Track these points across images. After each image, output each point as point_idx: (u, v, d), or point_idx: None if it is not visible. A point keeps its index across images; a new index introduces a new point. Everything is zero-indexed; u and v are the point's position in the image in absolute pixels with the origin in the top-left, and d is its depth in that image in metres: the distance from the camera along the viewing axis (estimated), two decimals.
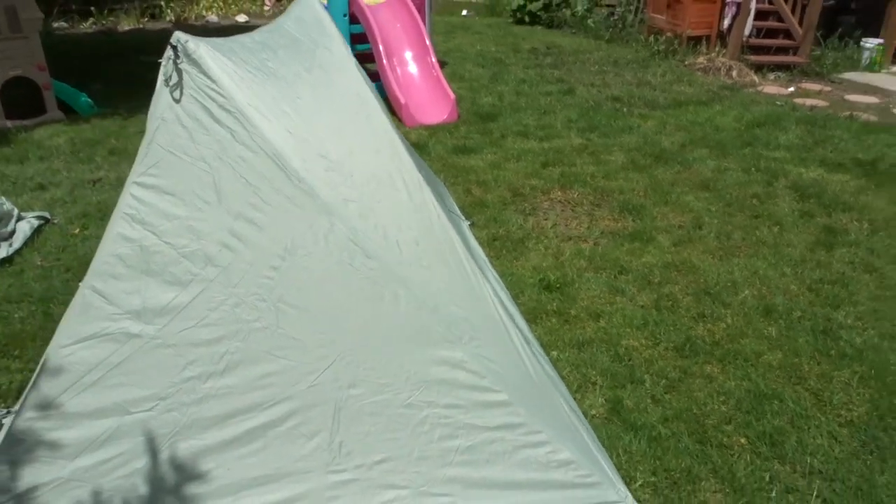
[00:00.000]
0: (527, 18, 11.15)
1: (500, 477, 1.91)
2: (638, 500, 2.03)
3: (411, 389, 1.86)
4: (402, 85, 6.00)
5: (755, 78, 7.60)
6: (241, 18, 11.42)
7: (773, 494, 2.15)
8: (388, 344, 1.85)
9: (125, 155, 4.96)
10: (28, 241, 3.62)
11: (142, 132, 1.81)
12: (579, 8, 10.68)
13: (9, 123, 5.47)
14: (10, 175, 4.56)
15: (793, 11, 8.07)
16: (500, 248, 3.69)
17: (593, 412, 2.47)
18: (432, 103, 5.99)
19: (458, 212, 3.77)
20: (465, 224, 3.69)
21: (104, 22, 10.47)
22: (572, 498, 1.93)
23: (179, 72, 1.72)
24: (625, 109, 6.33)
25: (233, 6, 11.90)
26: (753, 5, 7.87)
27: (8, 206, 3.73)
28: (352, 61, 2.35)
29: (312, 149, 1.85)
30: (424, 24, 6.44)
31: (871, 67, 8.02)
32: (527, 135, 5.58)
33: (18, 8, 5.33)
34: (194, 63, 1.71)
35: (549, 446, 1.91)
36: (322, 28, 2.48)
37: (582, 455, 1.97)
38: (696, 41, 8.47)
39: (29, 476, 1.82)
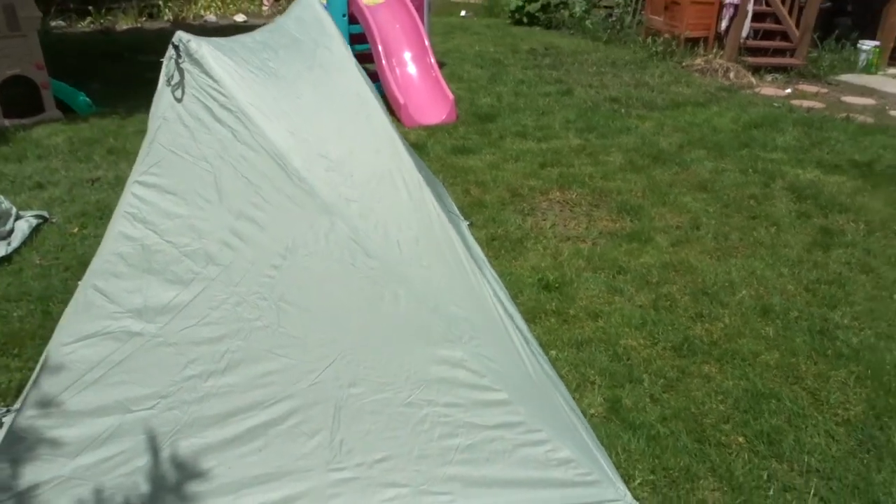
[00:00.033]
0: (525, 19, 11.18)
1: (500, 475, 1.92)
2: (637, 499, 2.04)
3: (411, 388, 1.86)
4: (400, 85, 6.01)
5: (752, 79, 7.64)
6: (240, 18, 11.41)
7: (771, 493, 2.16)
8: (389, 343, 1.85)
9: (123, 154, 4.96)
10: (27, 240, 3.62)
11: (140, 131, 1.81)
12: (577, 9, 10.71)
13: (7, 122, 5.46)
14: (9, 174, 4.56)
15: (790, 13, 8.10)
16: (499, 248, 3.70)
17: (592, 411, 2.48)
18: (431, 104, 6.00)
19: (457, 212, 3.78)
20: (464, 224, 3.70)
21: (102, 21, 10.45)
22: (571, 496, 1.94)
23: (181, 71, 1.73)
24: (623, 110, 6.35)
25: (231, 6, 11.89)
26: (751, 7, 7.90)
27: (6, 204, 3.72)
28: (352, 61, 2.36)
29: (313, 148, 1.85)
30: (423, 24, 6.45)
31: (868, 69, 8.07)
32: (525, 135, 5.59)
33: (17, 6, 5.32)
34: (196, 62, 1.72)
35: (548, 445, 1.92)
36: (322, 28, 2.48)
37: (581, 454, 1.98)
38: (693, 43, 8.50)
39: (30, 474, 1.82)
